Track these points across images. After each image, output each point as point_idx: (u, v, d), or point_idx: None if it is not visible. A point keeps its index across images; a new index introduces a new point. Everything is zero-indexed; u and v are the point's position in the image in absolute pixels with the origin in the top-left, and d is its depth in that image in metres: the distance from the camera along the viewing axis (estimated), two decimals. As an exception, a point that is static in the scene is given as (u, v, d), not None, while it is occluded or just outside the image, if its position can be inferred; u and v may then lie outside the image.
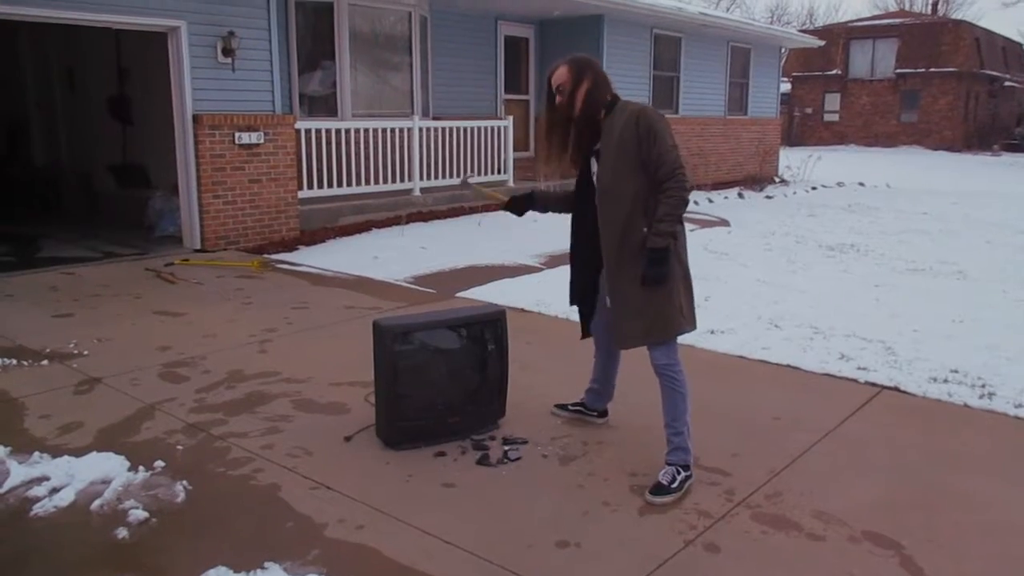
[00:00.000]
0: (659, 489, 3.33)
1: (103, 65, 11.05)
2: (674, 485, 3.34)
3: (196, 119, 8.42)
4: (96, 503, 3.21)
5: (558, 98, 3.50)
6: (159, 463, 3.55)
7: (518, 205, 4.02)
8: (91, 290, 6.89)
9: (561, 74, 3.48)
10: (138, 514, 3.12)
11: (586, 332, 3.90)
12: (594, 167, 3.54)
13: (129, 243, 9.06)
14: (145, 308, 6.33)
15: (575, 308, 3.92)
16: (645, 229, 3.33)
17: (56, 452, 3.64)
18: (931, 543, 3.02)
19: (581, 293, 3.79)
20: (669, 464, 3.42)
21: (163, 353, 5.17)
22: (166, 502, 3.25)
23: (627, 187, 3.35)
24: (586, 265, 3.69)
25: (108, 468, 3.45)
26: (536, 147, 3.64)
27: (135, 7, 7.88)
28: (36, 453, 3.61)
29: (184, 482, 3.39)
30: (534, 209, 4.02)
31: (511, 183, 12.26)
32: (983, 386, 4.77)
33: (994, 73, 40.02)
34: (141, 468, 3.49)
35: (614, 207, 3.40)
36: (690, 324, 3.50)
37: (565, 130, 3.57)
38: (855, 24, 41.38)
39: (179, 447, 3.77)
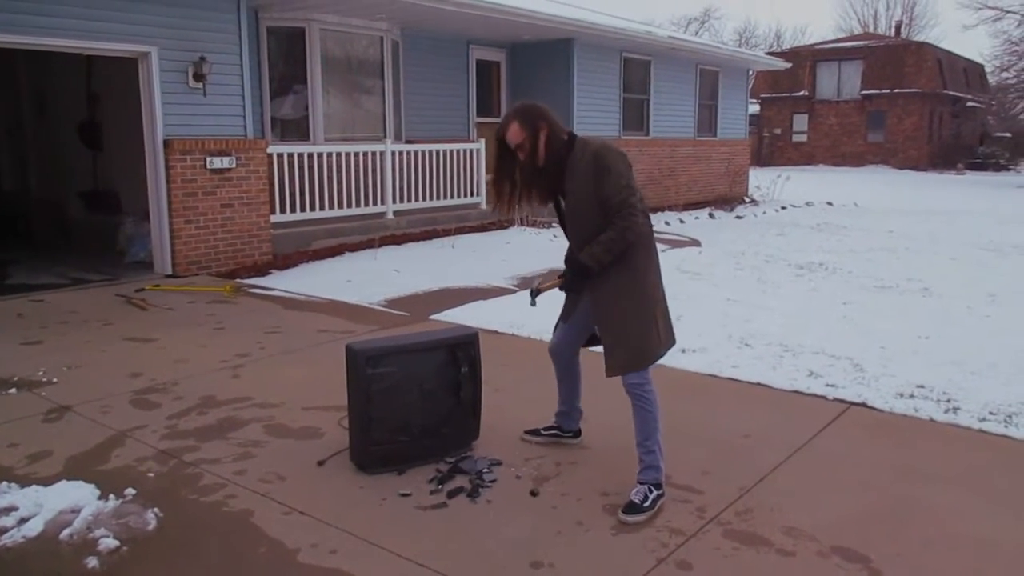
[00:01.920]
0: (632, 508, 3.36)
1: (73, 91, 11.00)
2: (646, 504, 3.37)
3: (167, 144, 8.40)
4: (65, 532, 3.18)
5: (520, 155, 3.53)
6: (130, 491, 3.52)
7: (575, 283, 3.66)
8: (60, 317, 6.82)
9: (515, 132, 3.49)
10: (109, 543, 3.09)
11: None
12: (562, 204, 3.63)
13: (99, 269, 8.99)
14: (115, 335, 6.28)
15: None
16: (627, 261, 3.44)
17: (24, 482, 3.59)
18: (899, 557, 3.07)
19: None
20: (641, 483, 3.46)
21: (134, 380, 5.13)
22: (137, 530, 3.22)
23: (593, 225, 3.43)
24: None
25: (78, 497, 3.42)
26: (495, 198, 3.64)
27: (106, 33, 7.89)
28: (4, 483, 3.56)
29: (155, 510, 3.37)
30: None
31: (484, 206, 12.33)
32: (948, 401, 4.87)
33: (956, 94, 40.93)
34: (112, 496, 3.45)
35: (584, 244, 3.48)
36: (666, 346, 3.59)
37: (532, 178, 3.60)
38: (821, 46, 42.17)
39: (150, 474, 3.74)
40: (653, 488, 3.43)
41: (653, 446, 3.49)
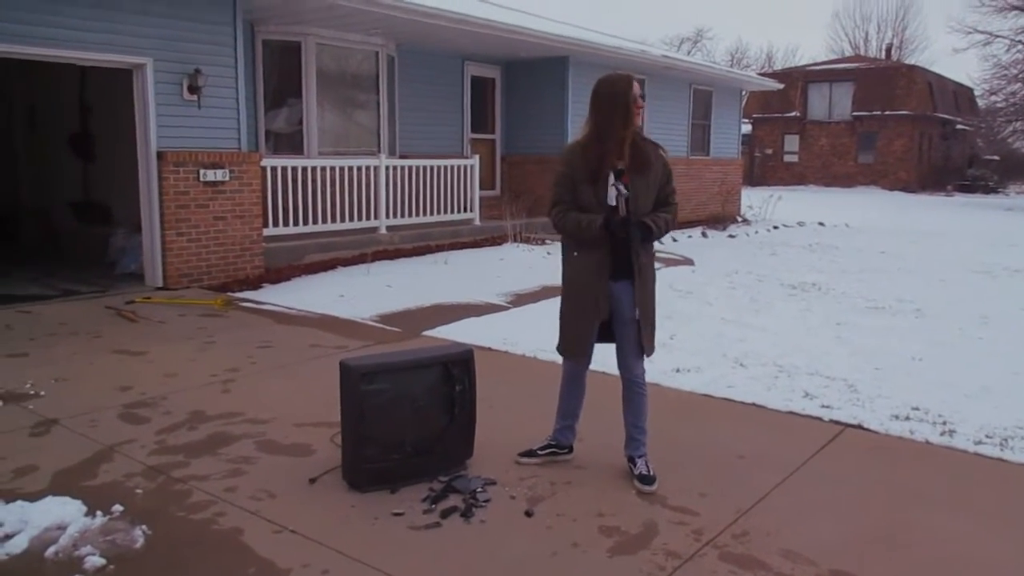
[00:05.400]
0: (649, 479, 3.78)
1: (66, 101, 10.96)
2: (653, 473, 3.81)
3: (160, 156, 8.36)
4: (51, 550, 3.12)
5: (635, 108, 3.72)
6: (117, 507, 3.45)
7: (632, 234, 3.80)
8: (48, 329, 6.75)
9: (639, 90, 3.77)
10: (95, 561, 3.03)
11: (584, 351, 3.95)
12: (612, 187, 3.73)
13: (89, 281, 8.91)
14: (105, 347, 6.21)
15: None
16: (652, 249, 3.91)
17: (9, 497, 3.52)
18: (897, 581, 3.04)
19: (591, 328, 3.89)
20: (640, 457, 3.89)
21: (123, 393, 5.07)
22: (124, 548, 3.16)
23: (650, 207, 3.82)
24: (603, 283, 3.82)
25: (64, 513, 3.35)
26: (585, 148, 3.78)
27: (101, 44, 7.86)
28: (-12, 498, 3.50)
29: (143, 527, 3.30)
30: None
31: (477, 221, 12.32)
32: (944, 423, 4.85)
33: (946, 116, 41.27)
34: (99, 513, 3.39)
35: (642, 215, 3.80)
36: None
37: (620, 142, 3.76)
38: (812, 68, 42.49)
39: (138, 491, 3.68)
40: (648, 459, 3.89)
41: (645, 427, 3.95)
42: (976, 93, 44.80)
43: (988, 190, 38.28)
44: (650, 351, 3.92)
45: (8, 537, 3.19)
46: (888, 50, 49.78)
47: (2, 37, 7.22)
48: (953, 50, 54.03)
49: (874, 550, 3.27)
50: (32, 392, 5.04)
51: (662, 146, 3.92)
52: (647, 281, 3.85)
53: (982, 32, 33.62)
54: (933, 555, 3.27)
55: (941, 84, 41.60)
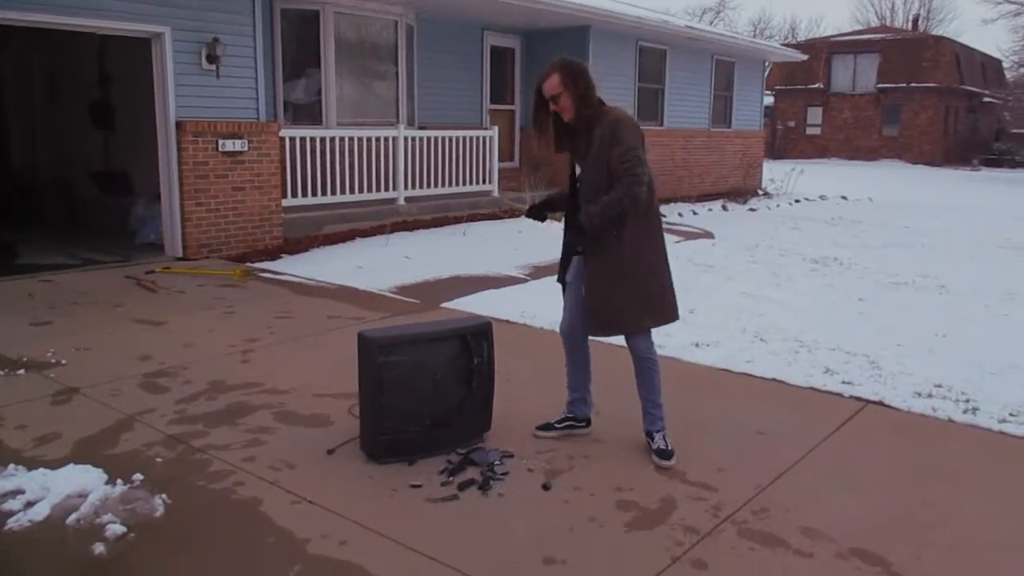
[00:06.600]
0: (666, 454, 3.75)
1: (85, 71, 10.95)
2: (671, 447, 3.77)
3: (179, 126, 8.35)
4: (72, 517, 3.14)
5: (552, 106, 3.71)
6: (138, 476, 3.48)
7: (538, 211, 4.04)
8: (70, 298, 6.80)
9: (552, 85, 3.67)
10: (115, 529, 3.06)
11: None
12: (577, 167, 3.85)
13: (110, 250, 8.96)
14: (125, 317, 6.25)
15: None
16: (615, 232, 3.64)
17: (32, 464, 3.56)
18: (918, 560, 3.01)
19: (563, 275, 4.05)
20: (657, 431, 3.84)
21: (143, 363, 5.10)
22: (144, 516, 3.19)
23: (600, 190, 3.63)
24: (570, 252, 3.96)
25: (85, 481, 3.38)
26: (535, 143, 3.98)
27: (119, 12, 7.82)
28: (11, 465, 3.53)
29: (163, 496, 3.33)
30: (553, 211, 4.01)
31: (496, 193, 12.26)
32: (967, 401, 4.79)
33: (973, 89, 40.55)
34: (119, 481, 3.42)
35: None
36: (659, 319, 3.82)
37: (555, 129, 3.80)
38: (837, 39, 41.83)
39: (158, 459, 3.70)
40: (667, 434, 3.83)
41: (659, 401, 3.87)
42: (1005, 65, 43.98)
43: (1015, 164, 37.70)
44: (592, 330, 3.87)
45: (30, 504, 3.22)
46: (915, 21, 48.91)
47: (21, 5, 7.20)
48: (982, 21, 53.17)
49: (896, 529, 3.24)
50: (54, 361, 5.08)
51: (621, 112, 3.70)
52: (595, 262, 3.74)
53: (1012, 2, 32.94)
54: (956, 536, 3.23)
55: (968, 56, 40.82)
